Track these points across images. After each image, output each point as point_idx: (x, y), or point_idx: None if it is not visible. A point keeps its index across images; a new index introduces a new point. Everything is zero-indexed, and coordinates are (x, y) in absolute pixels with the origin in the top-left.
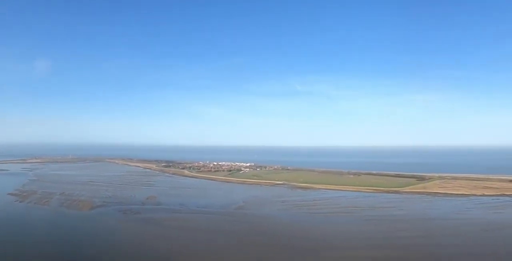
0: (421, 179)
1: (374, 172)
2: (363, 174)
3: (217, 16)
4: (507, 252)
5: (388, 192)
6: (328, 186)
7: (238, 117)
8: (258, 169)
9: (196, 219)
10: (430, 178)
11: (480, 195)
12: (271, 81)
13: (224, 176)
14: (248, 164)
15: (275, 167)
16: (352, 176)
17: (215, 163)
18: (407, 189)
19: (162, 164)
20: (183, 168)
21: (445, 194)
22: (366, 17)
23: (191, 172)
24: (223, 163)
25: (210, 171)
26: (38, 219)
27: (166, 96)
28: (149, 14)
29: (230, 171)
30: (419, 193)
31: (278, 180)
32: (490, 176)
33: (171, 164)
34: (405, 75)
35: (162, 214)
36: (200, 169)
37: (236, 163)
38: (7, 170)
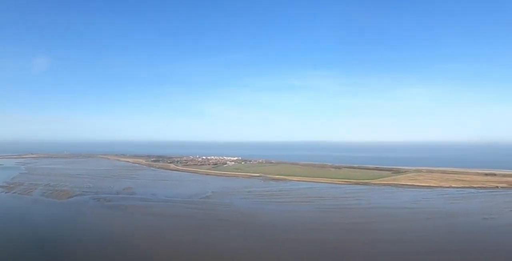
0: (397, 172)
1: (356, 165)
2: (344, 167)
3: (214, 11)
4: (436, 237)
5: (357, 183)
6: (303, 178)
7: (236, 113)
8: (242, 162)
9: (159, 206)
10: (405, 171)
11: (447, 187)
12: (268, 76)
13: (207, 169)
14: (235, 158)
15: (260, 160)
16: (332, 169)
17: (204, 157)
18: (377, 181)
19: (152, 159)
20: (170, 162)
21: (412, 186)
22: (364, 12)
23: (177, 166)
24: (211, 157)
25: (196, 164)
26: (17, 206)
27: (164, 92)
28: (148, 11)
29: (216, 164)
30: (386, 184)
31: (256, 173)
32: (468, 170)
33: (160, 159)
34: (402, 69)
35: (131, 202)
36: (187, 163)
37: (224, 157)
38: (1, 164)
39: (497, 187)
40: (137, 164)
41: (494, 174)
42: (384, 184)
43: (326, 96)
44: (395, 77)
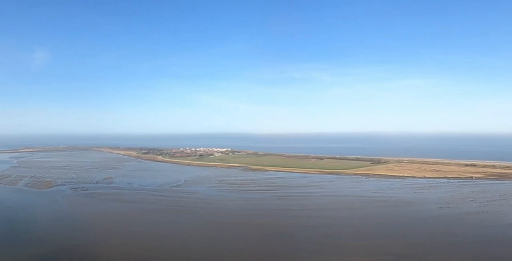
0: (376, 162)
1: (338, 156)
2: (325, 158)
3: (212, 4)
4: (379, 222)
5: (330, 173)
6: (281, 169)
7: (234, 105)
8: (230, 154)
9: (129, 194)
10: (386, 161)
11: (419, 177)
12: (266, 68)
13: (191, 160)
14: (223, 150)
15: (247, 152)
16: (313, 160)
17: (193, 149)
18: (351, 171)
19: (143, 151)
20: (159, 154)
21: (384, 176)
22: (360, 4)
23: (164, 157)
24: (200, 148)
25: (183, 156)
26: None
27: (163, 85)
28: (144, 3)
29: (201, 155)
30: (359, 174)
31: (238, 163)
32: (451, 161)
33: (150, 151)
34: (399, 61)
35: (105, 190)
36: (174, 154)
37: (213, 148)
38: None
39: (471, 177)
40: (126, 156)
41: (475, 165)
42: (357, 174)
43: (322, 88)
44: (392, 69)
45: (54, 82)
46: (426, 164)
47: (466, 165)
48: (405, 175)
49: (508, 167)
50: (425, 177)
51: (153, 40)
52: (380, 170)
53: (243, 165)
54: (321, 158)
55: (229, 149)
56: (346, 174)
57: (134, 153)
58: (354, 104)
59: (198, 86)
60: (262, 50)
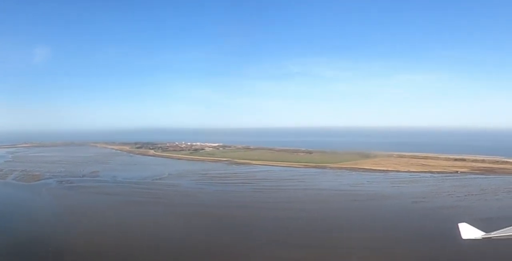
0: (365, 156)
1: (328, 150)
2: (314, 152)
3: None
4: (349, 216)
5: (315, 167)
6: (267, 162)
7: (234, 100)
8: (220, 148)
9: (111, 187)
10: (375, 156)
11: (404, 172)
12: (266, 63)
13: (183, 154)
14: (216, 144)
15: (238, 146)
16: (302, 154)
17: (188, 143)
18: (336, 164)
19: (137, 146)
20: (152, 149)
21: (368, 170)
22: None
23: (156, 152)
24: (197, 143)
25: (175, 150)
26: None
27: (163, 81)
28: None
29: (196, 150)
30: (343, 168)
31: (226, 158)
32: (441, 155)
33: (144, 145)
34: (399, 56)
35: (89, 184)
36: (167, 149)
37: (207, 143)
38: None
39: (457, 172)
40: (119, 151)
41: (464, 159)
42: (341, 168)
43: (322, 83)
44: (391, 64)
45: (54, 78)
46: (415, 158)
47: (456, 159)
48: (389, 169)
49: (497, 162)
50: (409, 171)
51: (152, 38)
52: (366, 164)
53: (230, 159)
54: (310, 152)
55: (221, 144)
56: (330, 168)
57: (127, 147)
58: (353, 98)
59: (199, 83)
60: (260, 45)
